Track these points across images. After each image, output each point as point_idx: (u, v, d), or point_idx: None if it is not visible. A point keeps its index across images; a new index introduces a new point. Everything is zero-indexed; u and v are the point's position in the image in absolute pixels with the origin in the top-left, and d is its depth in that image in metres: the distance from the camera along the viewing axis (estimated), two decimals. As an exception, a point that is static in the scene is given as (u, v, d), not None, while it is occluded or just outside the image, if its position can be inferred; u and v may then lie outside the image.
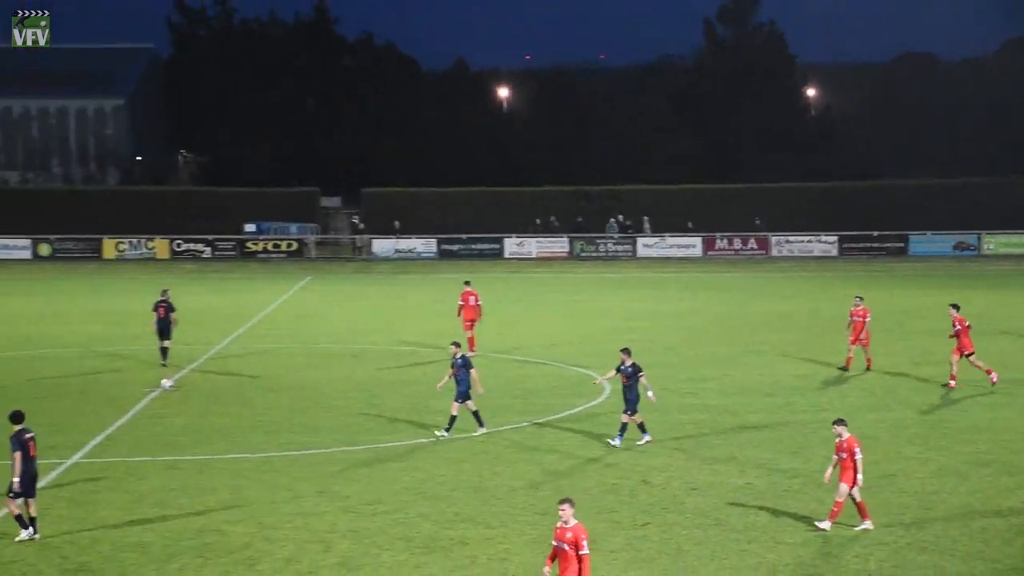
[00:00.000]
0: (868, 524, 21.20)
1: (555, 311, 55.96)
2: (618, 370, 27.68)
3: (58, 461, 26.01)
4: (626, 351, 27.75)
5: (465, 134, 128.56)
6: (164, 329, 38.77)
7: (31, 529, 20.67)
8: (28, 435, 20.80)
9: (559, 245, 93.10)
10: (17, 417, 20.97)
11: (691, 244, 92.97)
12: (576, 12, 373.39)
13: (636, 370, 27.39)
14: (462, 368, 28.26)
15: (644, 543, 20.66)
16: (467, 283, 43.95)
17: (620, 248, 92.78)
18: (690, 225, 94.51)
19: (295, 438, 28.50)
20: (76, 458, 26.45)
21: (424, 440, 28.23)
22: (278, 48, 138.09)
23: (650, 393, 27.60)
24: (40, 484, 23.90)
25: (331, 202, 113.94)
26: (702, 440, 28.35)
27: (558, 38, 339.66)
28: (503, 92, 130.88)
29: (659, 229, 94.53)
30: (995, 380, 34.34)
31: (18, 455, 20.46)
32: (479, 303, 42.42)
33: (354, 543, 20.55)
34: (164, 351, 38.77)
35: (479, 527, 21.46)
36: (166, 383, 34.84)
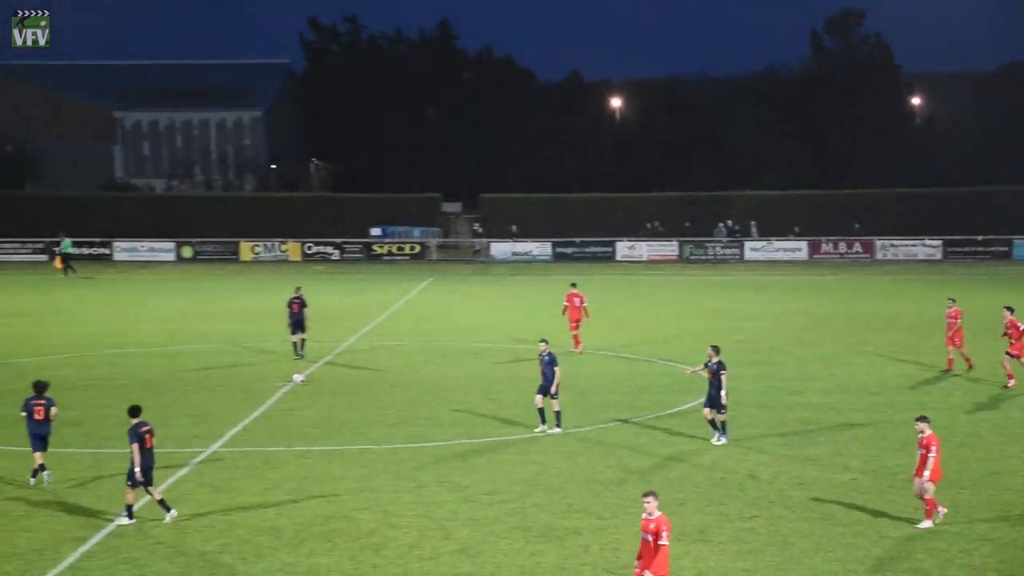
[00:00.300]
0: (928, 523, 20.77)
1: (664, 311, 55.60)
2: (705, 365, 27.27)
3: (200, 450, 26.47)
4: (714, 348, 27.27)
5: (579, 143, 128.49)
6: (298, 324, 39.65)
7: (132, 519, 20.94)
8: (145, 428, 21.11)
9: (669, 248, 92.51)
10: (135, 411, 21.34)
11: (797, 248, 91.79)
12: (686, 24, 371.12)
13: (720, 367, 26.87)
14: (548, 365, 28.01)
15: (752, 535, 20.41)
16: (573, 285, 43.90)
17: (728, 251, 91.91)
18: (796, 230, 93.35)
19: (418, 430, 28.67)
20: (215, 447, 26.88)
21: (539, 434, 28.21)
22: (403, 62, 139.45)
23: (723, 393, 26.88)
24: (183, 471, 24.47)
25: (452, 207, 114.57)
26: (807, 437, 27.93)
27: (668, 50, 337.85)
28: (616, 102, 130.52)
29: (766, 233, 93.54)
30: (1012, 385, 33.65)
31: (135, 446, 20.86)
32: (584, 304, 42.25)
33: (473, 531, 20.60)
34: (298, 344, 39.72)
35: (591, 518, 21.38)
36: (297, 378, 35.24)
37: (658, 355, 40.89)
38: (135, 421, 21.10)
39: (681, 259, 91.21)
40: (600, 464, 25.23)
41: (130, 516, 20.89)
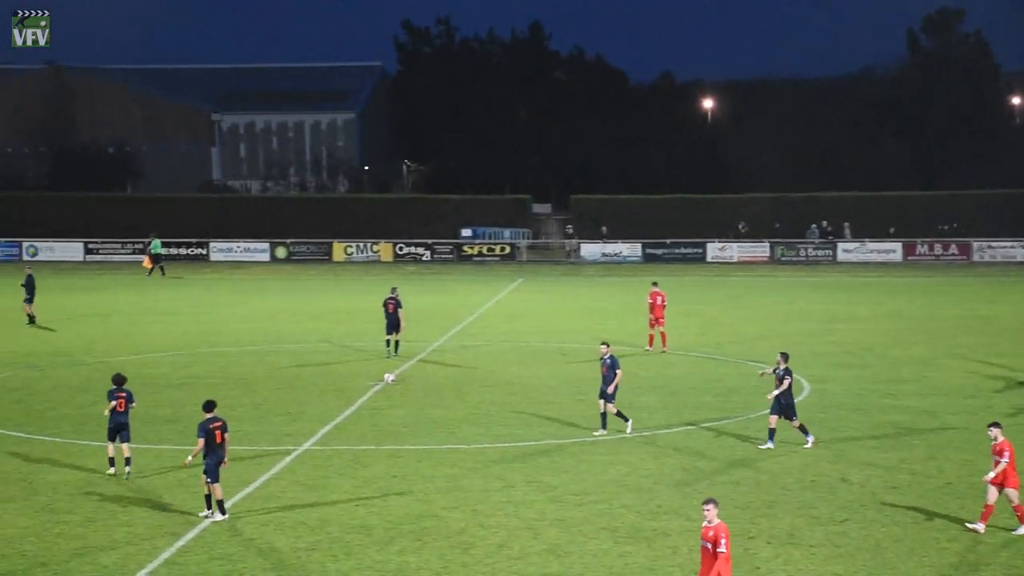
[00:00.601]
0: (979, 526, 20.40)
1: (755, 313, 55.10)
2: (774, 371, 26.81)
3: (292, 448, 26.75)
4: (783, 355, 26.78)
5: (670, 143, 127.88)
6: (392, 323, 40.06)
7: (211, 510, 21.19)
8: (215, 423, 21.32)
9: (760, 249, 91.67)
10: (208, 406, 21.60)
11: (891, 249, 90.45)
12: (779, 25, 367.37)
13: (786, 374, 26.35)
14: (610, 368, 27.76)
15: (843, 539, 20.14)
16: (655, 284, 43.87)
17: (820, 253, 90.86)
18: (891, 231, 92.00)
19: (507, 430, 28.70)
20: (308, 445, 27.14)
21: (628, 435, 28.09)
22: (495, 64, 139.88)
23: (773, 394, 26.38)
24: (275, 469, 24.74)
25: (542, 208, 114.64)
26: (901, 440, 27.49)
27: (761, 50, 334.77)
28: (707, 103, 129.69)
29: (859, 235, 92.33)
30: None
31: (201, 441, 21.13)
32: (665, 303, 42.26)
33: (561, 531, 20.57)
34: (393, 343, 40.29)
35: (680, 519, 21.24)
36: (388, 377, 35.46)
37: (749, 356, 40.52)
38: (207, 416, 21.39)
39: (772, 260, 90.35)
40: (690, 465, 25.06)
41: (222, 511, 21.20)
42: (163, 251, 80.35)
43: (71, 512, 21.57)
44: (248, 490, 23.04)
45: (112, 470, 24.22)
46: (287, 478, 24.10)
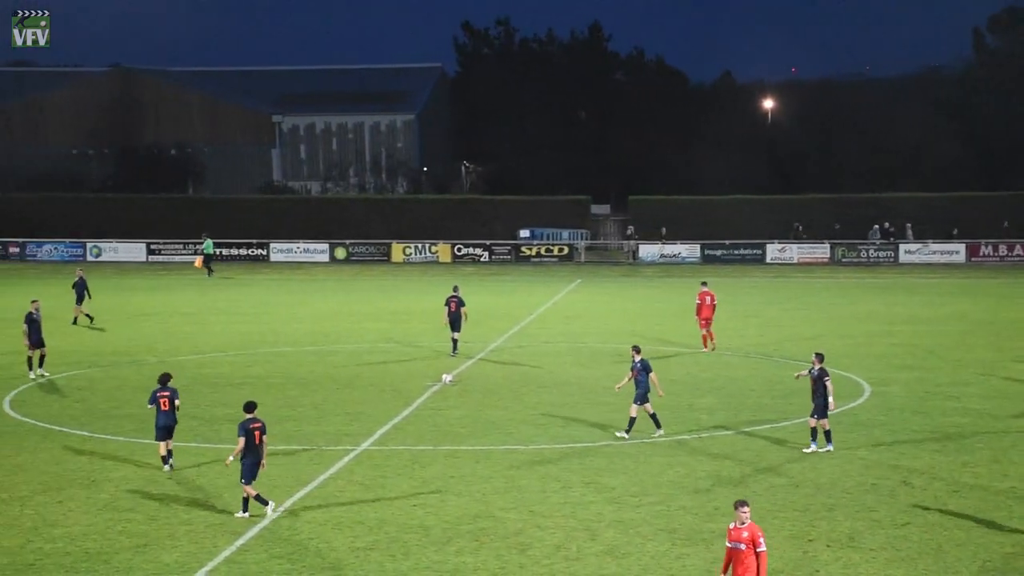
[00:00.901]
0: None
1: (816, 314, 54.67)
2: (809, 372, 26.48)
3: (351, 448, 26.89)
4: (818, 355, 26.47)
5: (730, 144, 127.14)
6: (455, 322, 40.57)
7: (247, 511, 21.38)
8: (255, 424, 21.51)
9: (820, 251, 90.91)
10: (249, 407, 21.84)
11: (954, 250, 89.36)
12: (841, 25, 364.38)
13: (823, 374, 26.04)
14: (641, 371, 27.43)
15: (904, 542, 19.93)
16: (704, 284, 43.98)
17: (882, 254, 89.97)
18: (955, 232, 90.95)
19: (564, 431, 28.68)
20: (366, 445, 27.27)
21: (687, 436, 27.99)
22: (554, 65, 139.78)
23: (831, 399, 26.08)
24: (334, 469, 24.89)
25: (600, 209, 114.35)
26: (964, 443, 27.17)
27: (823, 51, 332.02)
28: (768, 104, 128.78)
29: (922, 236, 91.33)
30: None
31: (242, 440, 21.36)
32: (715, 303, 42.28)
33: (619, 532, 20.52)
34: (455, 342, 40.57)
35: (739, 522, 21.09)
36: (446, 377, 35.55)
37: (809, 359, 40.14)
38: (247, 416, 21.57)
39: (833, 261, 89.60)
40: (748, 467, 24.92)
41: (264, 502, 21.42)
42: (213, 252, 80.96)
43: (133, 510, 21.83)
44: (307, 489, 23.20)
45: (167, 468, 24.62)
46: (345, 478, 24.24)
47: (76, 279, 50.36)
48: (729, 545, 15.79)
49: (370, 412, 31.01)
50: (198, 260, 79.04)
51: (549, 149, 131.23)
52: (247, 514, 21.31)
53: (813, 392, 26.22)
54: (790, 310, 56.78)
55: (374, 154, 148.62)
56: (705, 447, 26.88)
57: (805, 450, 26.14)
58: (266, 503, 21.46)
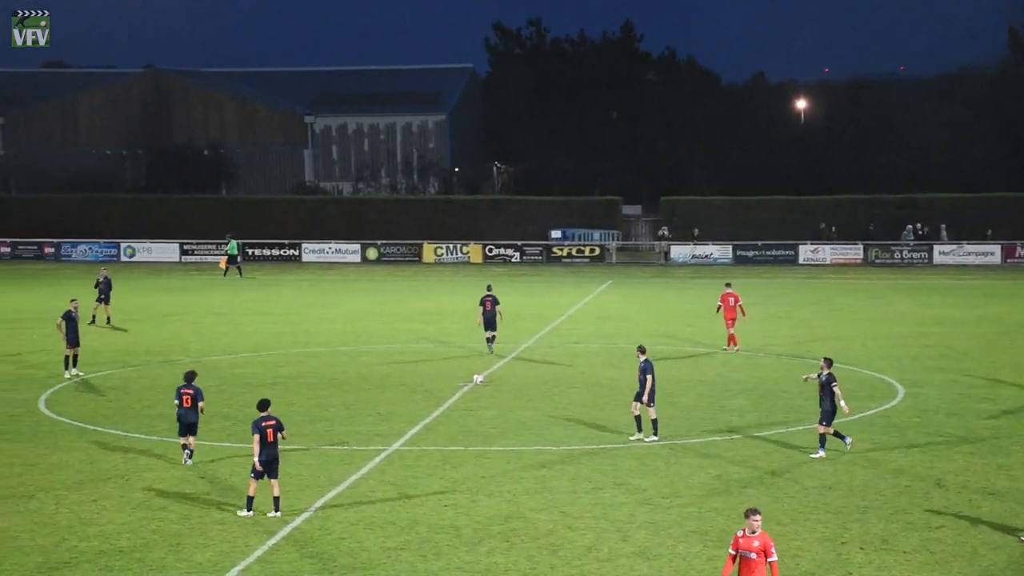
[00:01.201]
0: None
1: (848, 316, 54.40)
2: (818, 376, 26.16)
3: (382, 448, 26.95)
4: (827, 360, 26.18)
5: (762, 144, 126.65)
6: (490, 321, 40.97)
7: (251, 510, 21.46)
8: (268, 422, 21.62)
9: (853, 251, 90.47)
10: (262, 405, 21.97)
11: (989, 252, 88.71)
12: (874, 25, 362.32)
13: (830, 379, 25.71)
14: (643, 372, 27.27)
15: (938, 545, 19.81)
16: (728, 285, 44.05)
17: (915, 255, 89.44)
18: (989, 233, 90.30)
19: (595, 432, 28.65)
20: (397, 445, 27.32)
21: (718, 438, 27.91)
22: (586, 65, 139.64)
23: (842, 403, 25.74)
24: (365, 469, 24.94)
25: (632, 210, 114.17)
26: (998, 445, 26.97)
27: (856, 51, 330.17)
28: (801, 104, 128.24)
29: (956, 236, 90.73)
30: None
31: (256, 438, 21.51)
32: (738, 303, 42.33)
33: (650, 534, 20.48)
34: (490, 340, 41.07)
35: (770, 523, 20.98)
36: (477, 378, 35.56)
37: (841, 359, 39.97)
38: (261, 414, 21.71)
39: (866, 262, 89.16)
40: (780, 468, 24.82)
41: (249, 508, 21.49)
42: (237, 252, 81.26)
43: (166, 509, 21.95)
44: (338, 489, 23.27)
45: (189, 462, 25.13)
46: (377, 478, 24.29)
47: (100, 278, 50.37)
48: (733, 552, 15.57)
49: (401, 412, 31.06)
50: (222, 261, 79.43)
51: (580, 150, 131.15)
52: (251, 512, 21.48)
53: (821, 398, 25.88)
54: (822, 312, 56.52)
55: (406, 154, 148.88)
56: (736, 448, 26.79)
57: (812, 455, 25.82)
58: (249, 509, 21.53)
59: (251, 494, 21.55)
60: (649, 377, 27.23)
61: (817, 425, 26.15)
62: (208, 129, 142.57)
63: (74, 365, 36.85)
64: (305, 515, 21.48)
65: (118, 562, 19.08)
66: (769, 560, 15.44)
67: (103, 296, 49.81)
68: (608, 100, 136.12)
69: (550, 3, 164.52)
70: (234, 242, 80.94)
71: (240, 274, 77.48)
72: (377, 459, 25.87)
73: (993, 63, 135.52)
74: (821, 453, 25.83)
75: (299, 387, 34.80)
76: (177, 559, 19.20)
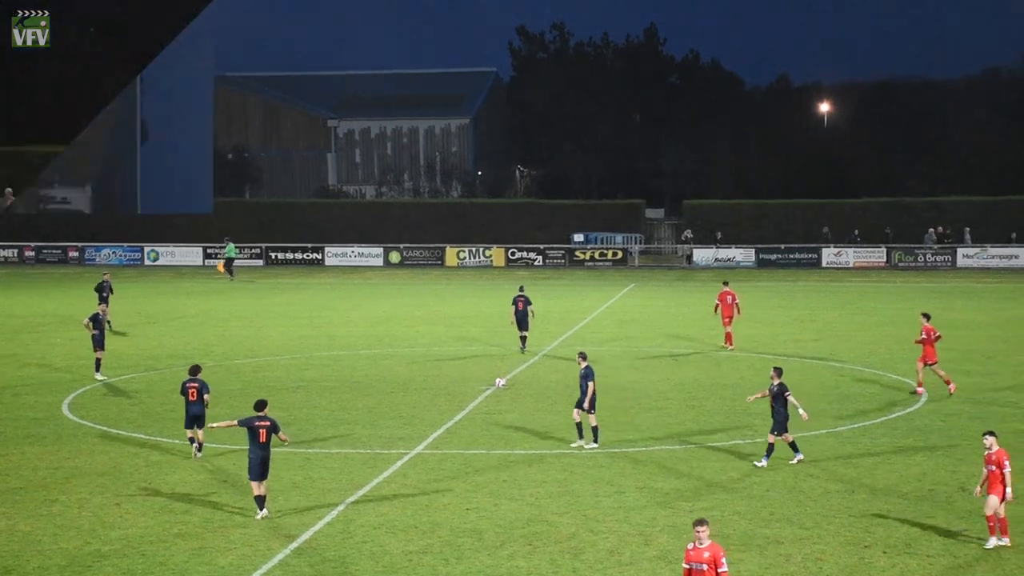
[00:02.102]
0: (1004, 541, 19.66)
1: (871, 319, 54.18)
2: (769, 390, 25.53)
3: (405, 451, 26.95)
4: (777, 370, 25.67)
5: (785, 147, 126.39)
6: (522, 321, 41.76)
7: (265, 510, 21.54)
8: (262, 422, 21.64)
9: (876, 255, 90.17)
10: (259, 405, 22.02)
11: (1014, 255, 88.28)
12: (898, 27, 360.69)
13: (782, 389, 25.20)
14: (583, 379, 27.10)
15: (962, 549, 19.68)
16: (725, 283, 44.96)
17: (939, 258, 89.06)
18: (1013, 235, 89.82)
19: (618, 435, 28.58)
20: (419, 448, 27.31)
21: (741, 441, 27.82)
22: (609, 69, 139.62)
23: (801, 411, 25.45)
24: (387, 472, 24.95)
25: (654, 213, 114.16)
26: (1023, 450, 26.76)
27: (880, 53, 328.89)
28: (824, 107, 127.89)
29: (981, 240, 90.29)
30: (952, 390, 33.11)
31: (235, 424, 21.92)
32: (736, 302, 43.25)
33: (673, 537, 20.41)
34: (523, 340, 41.97)
35: (793, 527, 20.95)
36: (500, 381, 35.54)
37: (864, 363, 39.87)
38: (256, 414, 21.79)
39: (889, 265, 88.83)
40: (803, 472, 24.71)
41: (261, 507, 21.55)
42: (235, 256, 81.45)
43: (188, 513, 21.99)
44: (360, 493, 23.28)
45: (199, 455, 25.69)
46: (399, 481, 24.29)
47: (101, 281, 50.28)
48: (687, 567, 15.35)
49: (424, 416, 31.07)
50: (220, 264, 79.73)
51: (603, 153, 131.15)
52: (265, 512, 21.49)
53: (773, 408, 25.31)
54: (846, 315, 56.32)
55: (428, 158, 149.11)
56: (759, 452, 26.66)
57: (757, 463, 25.29)
58: (261, 508, 21.57)
59: (258, 494, 21.60)
60: (590, 384, 27.03)
61: (769, 434, 25.46)
62: (232, 133, 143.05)
63: (97, 369, 37.06)
64: (327, 519, 21.50)
65: (140, 565, 19.13)
66: (719, 572, 15.15)
67: (103, 300, 49.95)
68: (631, 103, 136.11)
69: (574, 6, 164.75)
70: (232, 245, 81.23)
71: (230, 278, 77.58)
72: (399, 462, 25.87)
73: (1017, 65, 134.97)
74: (764, 462, 25.22)
75: (322, 390, 34.86)
76: (199, 562, 19.24)
